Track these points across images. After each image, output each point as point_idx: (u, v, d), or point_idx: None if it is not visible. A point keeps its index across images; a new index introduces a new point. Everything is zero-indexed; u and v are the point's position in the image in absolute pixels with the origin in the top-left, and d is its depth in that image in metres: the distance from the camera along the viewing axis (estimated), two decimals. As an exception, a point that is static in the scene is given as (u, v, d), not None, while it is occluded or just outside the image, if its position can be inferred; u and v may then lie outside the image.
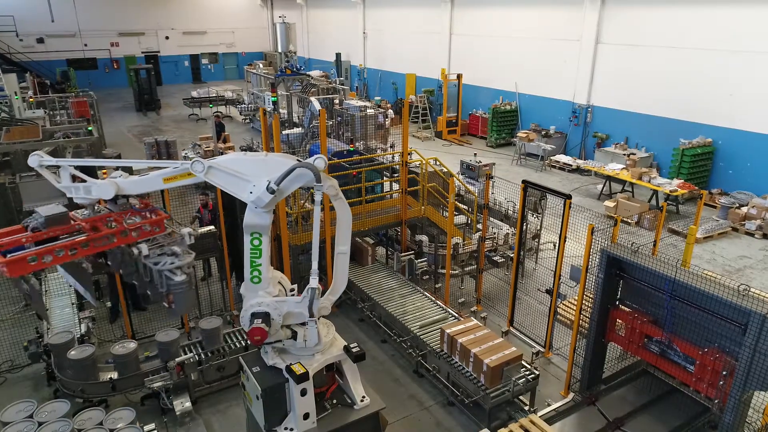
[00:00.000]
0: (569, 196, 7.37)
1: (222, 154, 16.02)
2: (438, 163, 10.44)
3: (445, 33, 23.86)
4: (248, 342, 7.43)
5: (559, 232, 7.50)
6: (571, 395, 6.66)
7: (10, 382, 7.76)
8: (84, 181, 4.65)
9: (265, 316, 4.92)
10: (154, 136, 19.24)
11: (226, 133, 18.29)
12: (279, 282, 5.53)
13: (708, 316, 5.56)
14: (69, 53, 34.81)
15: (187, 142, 20.46)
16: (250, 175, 4.76)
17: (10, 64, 30.23)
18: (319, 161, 4.81)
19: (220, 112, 22.12)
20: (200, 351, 7.26)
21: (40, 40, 33.94)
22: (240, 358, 5.53)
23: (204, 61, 40.22)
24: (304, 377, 4.93)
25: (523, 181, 8.04)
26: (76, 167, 4.77)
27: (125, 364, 6.76)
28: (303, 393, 5.09)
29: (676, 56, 15.35)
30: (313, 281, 4.90)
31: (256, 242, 5.00)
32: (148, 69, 28.02)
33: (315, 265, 5.02)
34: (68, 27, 34.24)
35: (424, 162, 9.85)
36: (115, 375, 6.80)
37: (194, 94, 27.10)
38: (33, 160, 4.53)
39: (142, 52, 37.47)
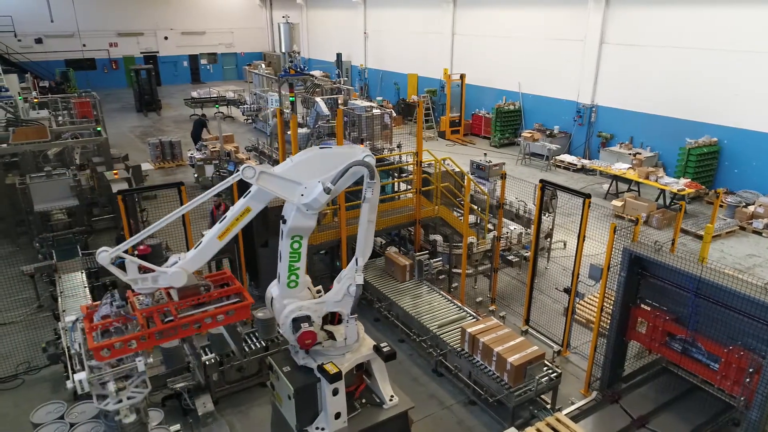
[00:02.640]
0: (588, 196, 7.40)
1: (228, 154, 15.99)
2: (450, 163, 10.46)
3: (448, 33, 23.89)
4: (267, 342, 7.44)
5: (578, 231, 7.52)
6: (594, 393, 6.68)
7: (28, 383, 7.73)
8: (152, 270, 4.58)
9: (308, 320, 4.92)
10: (158, 137, 19.23)
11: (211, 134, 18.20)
12: (308, 287, 5.51)
13: (734, 313, 5.60)
14: (67, 54, 34.63)
15: (189, 142, 20.41)
16: (300, 177, 4.72)
17: (8, 65, 30.07)
18: (369, 158, 4.83)
19: (205, 115, 21.74)
20: (255, 341, 7.49)
21: (39, 41, 33.76)
22: (269, 358, 5.52)
23: (203, 61, 40.11)
24: (337, 377, 4.93)
25: (541, 181, 8.07)
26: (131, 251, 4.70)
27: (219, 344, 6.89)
28: (335, 392, 5.09)
29: (680, 56, 15.44)
30: (359, 278, 4.91)
31: (296, 246, 4.98)
32: (149, 69, 27.90)
33: (362, 261, 5.01)
34: (67, 27, 34.05)
35: (437, 162, 9.87)
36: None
37: (194, 94, 27.03)
38: (103, 258, 4.36)
39: (141, 53, 37.33)
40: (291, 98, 15.44)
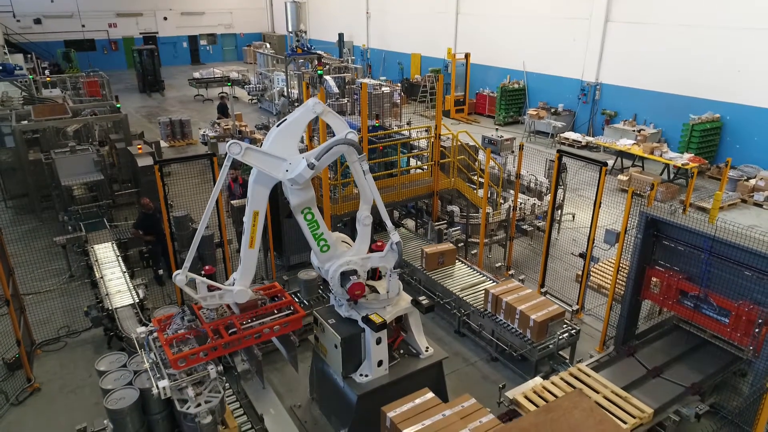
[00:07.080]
0: (605, 164, 7.76)
1: (240, 132, 16.23)
2: (467, 137, 10.78)
3: (452, 12, 24.02)
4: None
5: (594, 198, 7.90)
6: (611, 348, 7.12)
7: (71, 346, 8.10)
8: (218, 288, 5.16)
9: (355, 273, 5.30)
10: (168, 116, 19.42)
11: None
12: (343, 241, 5.84)
13: (745, 270, 6.01)
14: (67, 34, 34.46)
15: (195, 122, 20.64)
16: (282, 153, 4.97)
17: (8, 46, 29.94)
18: (352, 135, 5.07)
19: (226, 93, 22.15)
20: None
21: (38, 21, 33.57)
22: (314, 312, 5.91)
23: (202, 42, 40.00)
24: (383, 326, 5.33)
25: (558, 151, 8.42)
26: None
27: (309, 288, 7.86)
28: (378, 341, 5.50)
29: (684, 34, 15.70)
30: (395, 236, 5.27)
31: (309, 216, 5.33)
32: (152, 50, 27.90)
33: (389, 223, 5.37)
34: (66, 7, 33.85)
35: (453, 137, 10.20)
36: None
37: (197, 75, 27.07)
38: (180, 281, 4.91)
39: (140, 33, 37.18)
40: (319, 71, 15.60)
